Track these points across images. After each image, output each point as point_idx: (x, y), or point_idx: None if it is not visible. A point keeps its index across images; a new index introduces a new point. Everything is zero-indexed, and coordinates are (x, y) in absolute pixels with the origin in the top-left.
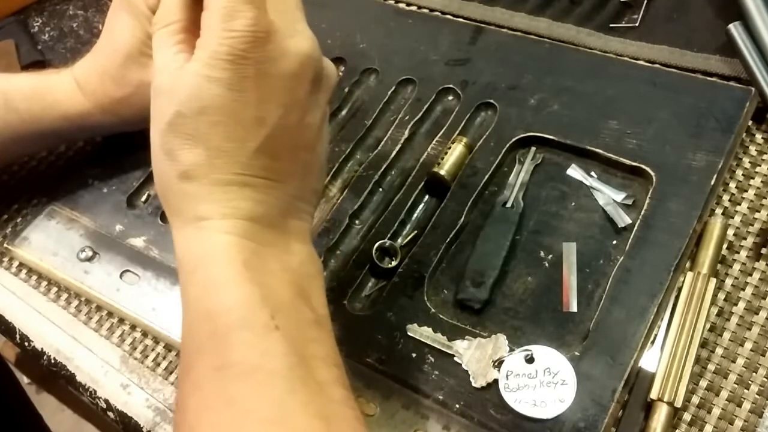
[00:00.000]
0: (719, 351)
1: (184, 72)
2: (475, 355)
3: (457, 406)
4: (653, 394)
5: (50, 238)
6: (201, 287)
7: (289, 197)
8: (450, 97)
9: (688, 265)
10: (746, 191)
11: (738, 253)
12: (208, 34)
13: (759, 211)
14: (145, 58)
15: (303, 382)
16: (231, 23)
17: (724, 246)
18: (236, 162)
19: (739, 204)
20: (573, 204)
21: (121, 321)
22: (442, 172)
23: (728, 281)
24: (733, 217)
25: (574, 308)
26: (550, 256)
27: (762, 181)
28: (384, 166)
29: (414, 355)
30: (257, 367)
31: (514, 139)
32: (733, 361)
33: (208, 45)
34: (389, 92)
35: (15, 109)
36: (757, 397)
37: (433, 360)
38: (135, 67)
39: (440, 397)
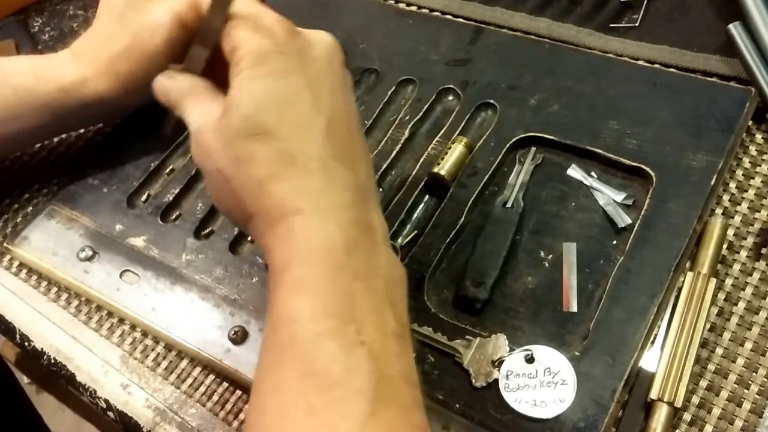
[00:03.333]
0: (719, 351)
1: (236, 85)
2: (475, 355)
3: (457, 406)
4: (653, 394)
5: (50, 238)
6: (289, 288)
7: (362, 183)
8: (450, 98)
9: (688, 265)
10: (746, 191)
11: (738, 253)
12: (245, 45)
13: (759, 211)
14: (142, 2)
15: (385, 405)
16: (261, 23)
17: (724, 246)
18: (312, 144)
19: (739, 204)
20: (573, 204)
21: (121, 321)
22: (442, 172)
23: (728, 281)
24: (733, 217)
25: (574, 308)
26: (550, 256)
27: (762, 181)
28: (384, 166)
29: (414, 355)
30: (341, 383)
31: (514, 139)
32: (733, 361)
33: (249, 51)
34: (389, 92)
35: (10, 84)
36: (757, 397)
37: (433, 360)
38: (133, 13)
39: (440, 397)
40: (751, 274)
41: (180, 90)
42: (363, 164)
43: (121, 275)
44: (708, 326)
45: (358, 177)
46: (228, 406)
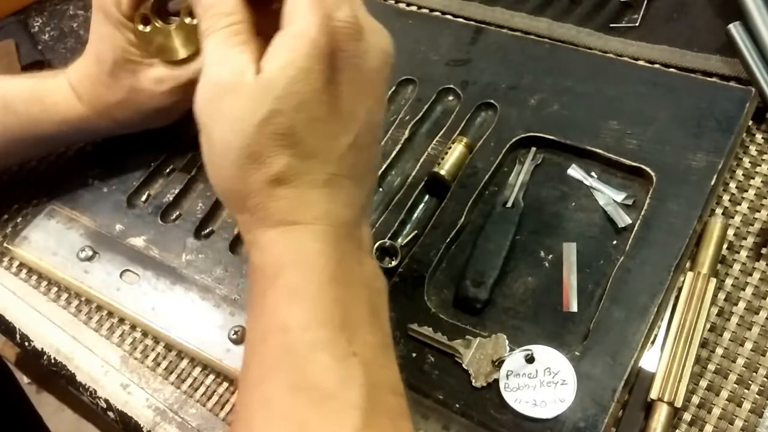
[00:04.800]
0: (719, 351)
1: (279, 66)
2: (475, 355)
3: (457, 406)
4: (653, 394)
5: (50, 238)
6: (282, 295)
7: (364, 201)
8: (450, 97)
9: (688, 265)
10: (746, 191)
11: (738, 253)
12: (305, 25)
13: (759, 211)
14: (131, 65)
15: (377, 417)
16: (334, 13)
17: (724, 246)
18: (330, 161)
19: (739, 204)
20: (573, 204)
21: (121, 321)
22: (443, 172)
23: (728, 281)
24: (733, 217)
25: (574, 308)
26: (550, 256)
27: (762, 181)
28: (384, 166)
29: (414, 355)
30: (334, 395)
31: (514, 140)
32: (733, 361)
33: (307, 35)
34: (389, 92)
35: (14, 112)
36: (757, 397)
37: (433, 360)
38: (124, 74)
39: (440, 397)
40: (751, 274)
41: (214, 5)
42: (370, 179)
43: (121, 275)
44: (708, 326)
45: (363, 194)
46: (228, 406)
